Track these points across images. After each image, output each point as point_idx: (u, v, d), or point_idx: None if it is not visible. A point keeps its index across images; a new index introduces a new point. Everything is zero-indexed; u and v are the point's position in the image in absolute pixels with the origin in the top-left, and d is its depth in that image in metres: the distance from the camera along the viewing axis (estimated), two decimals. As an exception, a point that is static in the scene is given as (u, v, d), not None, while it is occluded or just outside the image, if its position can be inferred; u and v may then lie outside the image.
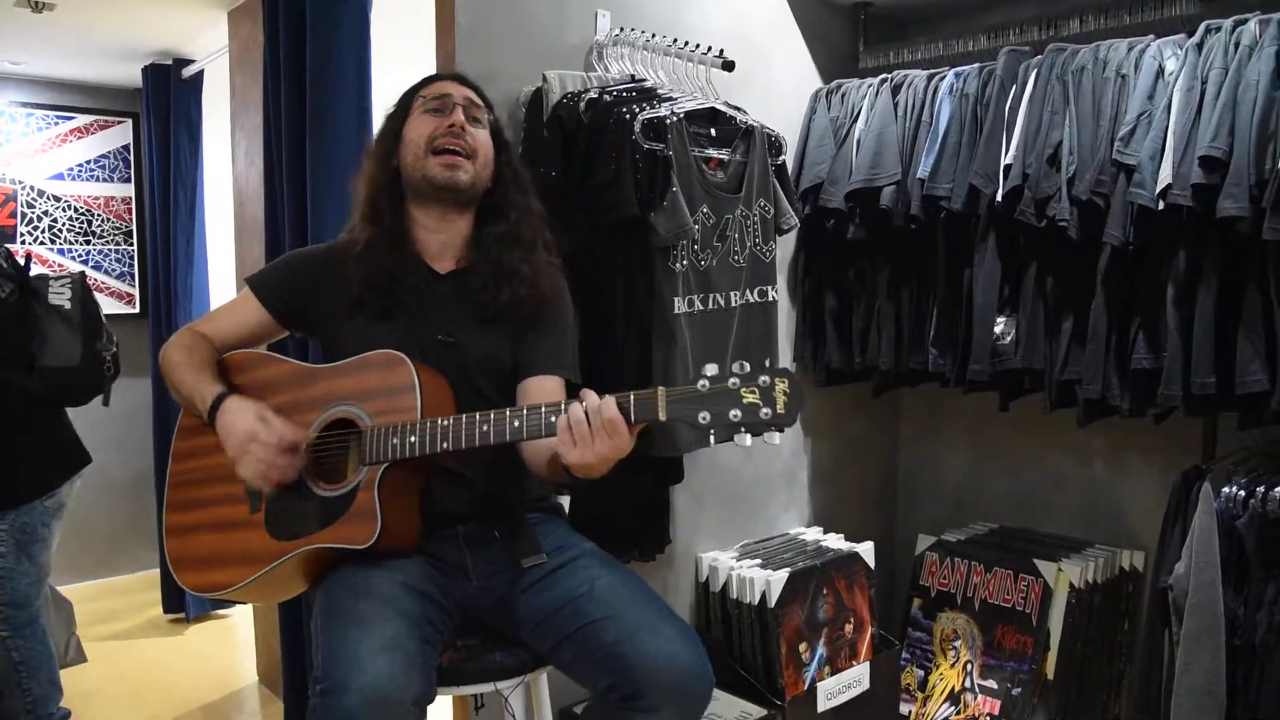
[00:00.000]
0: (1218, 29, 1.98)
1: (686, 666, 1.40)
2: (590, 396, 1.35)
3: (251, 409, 1.52)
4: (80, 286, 2.39)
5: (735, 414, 1.29)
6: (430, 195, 1.63)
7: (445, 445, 1.43)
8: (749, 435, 1.34)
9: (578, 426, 1.33)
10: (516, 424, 1.40)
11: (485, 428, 1.41)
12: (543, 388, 1.64)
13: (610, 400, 1.33)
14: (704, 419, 1.29)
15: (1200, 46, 1.99)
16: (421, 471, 1.52)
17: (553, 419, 1.37)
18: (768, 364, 1.31)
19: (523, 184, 1.72)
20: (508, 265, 1.63)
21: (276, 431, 1.49)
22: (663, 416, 1.32)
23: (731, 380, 1.30)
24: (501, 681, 1.55)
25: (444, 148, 1.61)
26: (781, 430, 1.32)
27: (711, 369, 1.32)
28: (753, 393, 1.29)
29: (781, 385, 1.29)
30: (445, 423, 1.43)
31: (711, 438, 1.32)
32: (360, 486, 1.48)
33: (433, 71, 1.84)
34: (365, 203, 1.66)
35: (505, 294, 1.62)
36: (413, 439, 1.44)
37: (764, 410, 1.28)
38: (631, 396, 1.33)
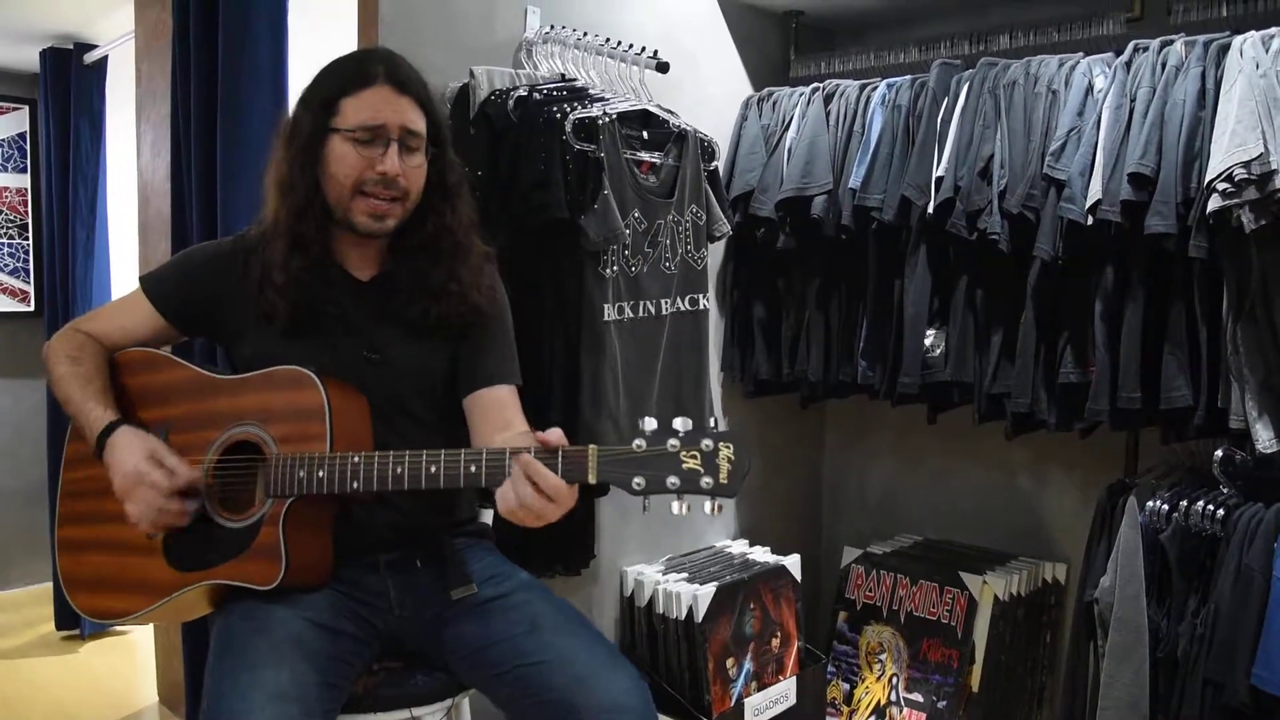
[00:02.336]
0: (1145, 49, 2.00)
1: (640, 715, 1.34)
2: (520, 455, 1.23)
3: (142, 446, 1.37)
4: None
5: (673, 481, 1.19)
6: (358, 234, 1.47)
7: (356, 485, 1.32)
8: (686, 503, 1.22)
9: (524, 500, 1.23)
10: (433, 469, 1.29)
11: (399, 470, 1.30)
12: (497, 399, 1.52)
13: (543, 470, 1.21)
14: (638, 484, 1.19)
15: (1129, 65, 2.01)
16: (334, 500, 1.40)
17: (472, 468, 1.27)
18: (713, 423, 1.21)
19: (448, 187, 1.53)
20: (433, 282, 1.49)
21: (168, 475, 1.35)
22: (592, 479, 1.21)
23: (671, 442, 1.19)
24: (420, 708, 1.47)
25: (371, 194, 1.43)
26: (721, 500, 1.21)
27: (650, 424, 1.20)
28: (694, 457, 1.18)
29: (726, 451, 1.18)
30: (357, 460, 1.32)
31: (644, 504, 1.21)
32: (264, 520, 1.37)
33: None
34: (288, 230, 1.44)
35: (435, 311, 1.49)
36: (321, 474, 1.33)
37: (705, 479, 1.18)
38: (560, 454, 1.22)
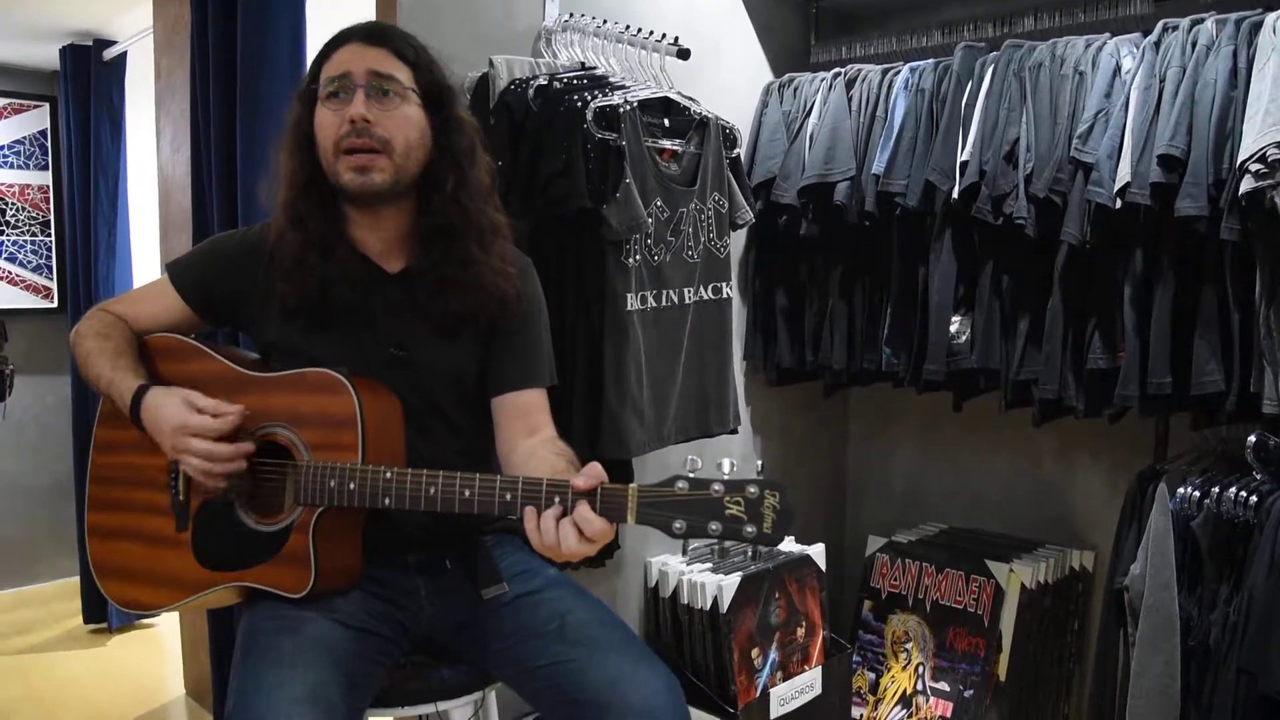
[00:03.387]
0: (1175, 28, 1.97)
1: (672, 718, 1.32)
2: (579, 507, 1.19)
3: (177, 396, 1.36)
4: None
5: (715, 526, 1.15)
6: (354, 198, 1.44)
7: (388, 501, 1.30)
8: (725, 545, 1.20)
9: (545, 535, 1.20)
10: (467, 494, 1.26)
11: (433, 491, 1.28)
12: (523, 403, 1.49)
13: (592, 517, 1.18)
14: (679, 528, 1.15)
15: (1158, 45, 1.97)
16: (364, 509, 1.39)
17: (508, 496, 1.24)
18: (759, 471, 1.19)
19: (458, 153, 1.47)
20: (449, 271, 1.44)
21: (210, 416, 1.34)
22: (631, 520, 1.17)
23: (715, 487, 1.15)
24: (447, 702, 1.47)
25: (349, 148, 1.38)
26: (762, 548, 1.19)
27: (693, 463, 1.18)
28: (737, 504, 1.14)
29: (771, 500, 1.14)
30: (389, 476, 1.30)
31: (685, 546, 1.20)
32: (294, 527, 1.35)
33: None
34: (286, 207, 1.43)
35: (455, 304, 1.45)
36: (352, 486, 1.31)
37: (748, 527, 1.14)
38: (598, 494, 1.18)
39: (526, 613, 1.44)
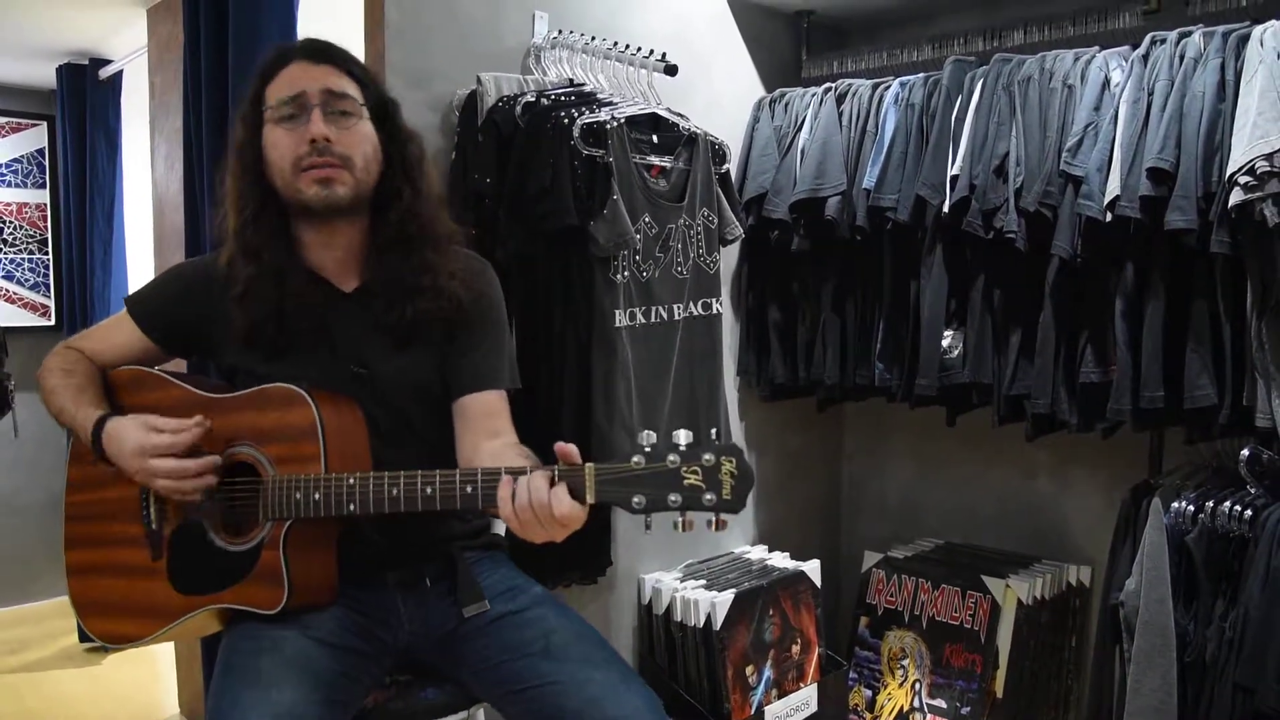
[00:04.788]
0: (1163, 41, 1.97)
1: None
2: (520, 479, 1.19)
3: (135, 421, 1.37)
4: None
5: (674, 498, 1.14)
6: (312, 214, 1.43)
7: (353, 507, 1.30)
8: (688, 519, 1.17)
9: (521, 513, 1.18)
10: (429, 490, 1.26)
11: (395, 491, 1.28)
12: (482, 404, 1.47)
13: (545, 485, 1.17)
14: (638, 503, 1.15)
15: (1146, 58, 1.97)
16: (336, 520, 1.37)
17: (469, 489, 1.24)
18: (714, 435, 1.17)
19: (409, 164, 1.48)
20: (407, 281, 1.44)
21: (170, 435, 1.34)
22: (590, 499, 1.17)
23: (671, 458, 1.14)
24: (432, 721, 1.46)
25: (310, 166, 1.38)
26: (724, 516, 1.16)
27: (648, 437, 1.16)
28: (695, 473, 1.14)
29: (728, 465, 1.14)
30: (352, 481, 1.30)
31: (647, 521, 1.17)
32: (265, 543, 1.35)
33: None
34: (236, 234, 1.42)
35: (410, 311, 1.44)
36: (317, 496, 1.31)
37: (707, 495, 1.14)
38: (556, 472, 1.18)
39: (511, 632, 1.43)
